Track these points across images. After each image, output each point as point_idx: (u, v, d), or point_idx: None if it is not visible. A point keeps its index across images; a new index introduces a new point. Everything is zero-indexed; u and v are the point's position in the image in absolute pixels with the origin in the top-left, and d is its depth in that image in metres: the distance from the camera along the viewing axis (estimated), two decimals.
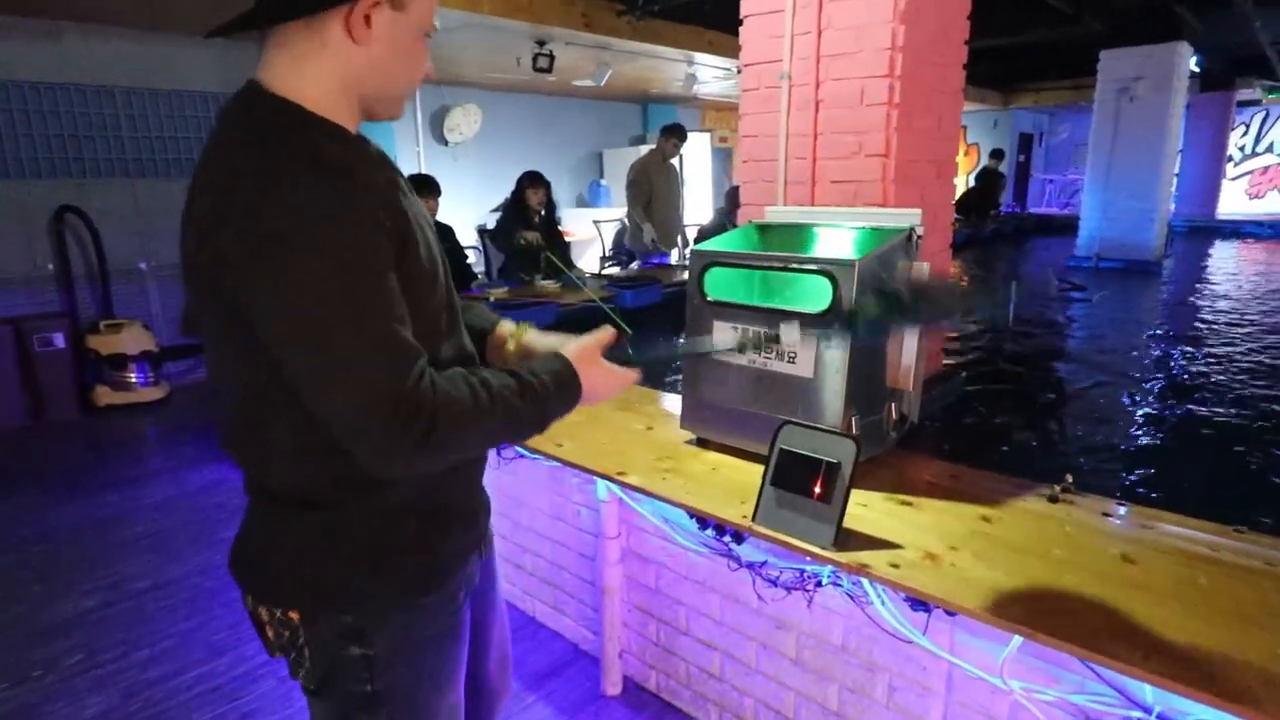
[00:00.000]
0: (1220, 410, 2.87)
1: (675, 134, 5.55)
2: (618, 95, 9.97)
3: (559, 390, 0.97)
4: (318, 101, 0.84)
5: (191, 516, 3.30)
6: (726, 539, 1.69)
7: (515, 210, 4.93)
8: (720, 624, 1.85)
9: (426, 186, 4.29)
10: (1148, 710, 1.16)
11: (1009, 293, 4.64)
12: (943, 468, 1.81)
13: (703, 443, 1.92)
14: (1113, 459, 2.50)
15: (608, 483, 1.84)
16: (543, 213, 4.92)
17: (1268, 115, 13.47)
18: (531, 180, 4.80)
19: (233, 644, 2.33)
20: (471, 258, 6.32)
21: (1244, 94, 11.97)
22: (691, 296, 1.85)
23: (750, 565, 1.67)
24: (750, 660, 1.81)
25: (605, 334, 1.08)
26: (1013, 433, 2.68)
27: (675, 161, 5.86)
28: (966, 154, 14.88)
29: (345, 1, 0.82)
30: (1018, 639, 1.24)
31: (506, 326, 1.17)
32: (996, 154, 11.50)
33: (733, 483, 1.70)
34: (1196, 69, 9.44)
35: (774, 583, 1.63)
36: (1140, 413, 2.94)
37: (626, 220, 6.21)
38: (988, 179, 11.08)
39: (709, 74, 7.52)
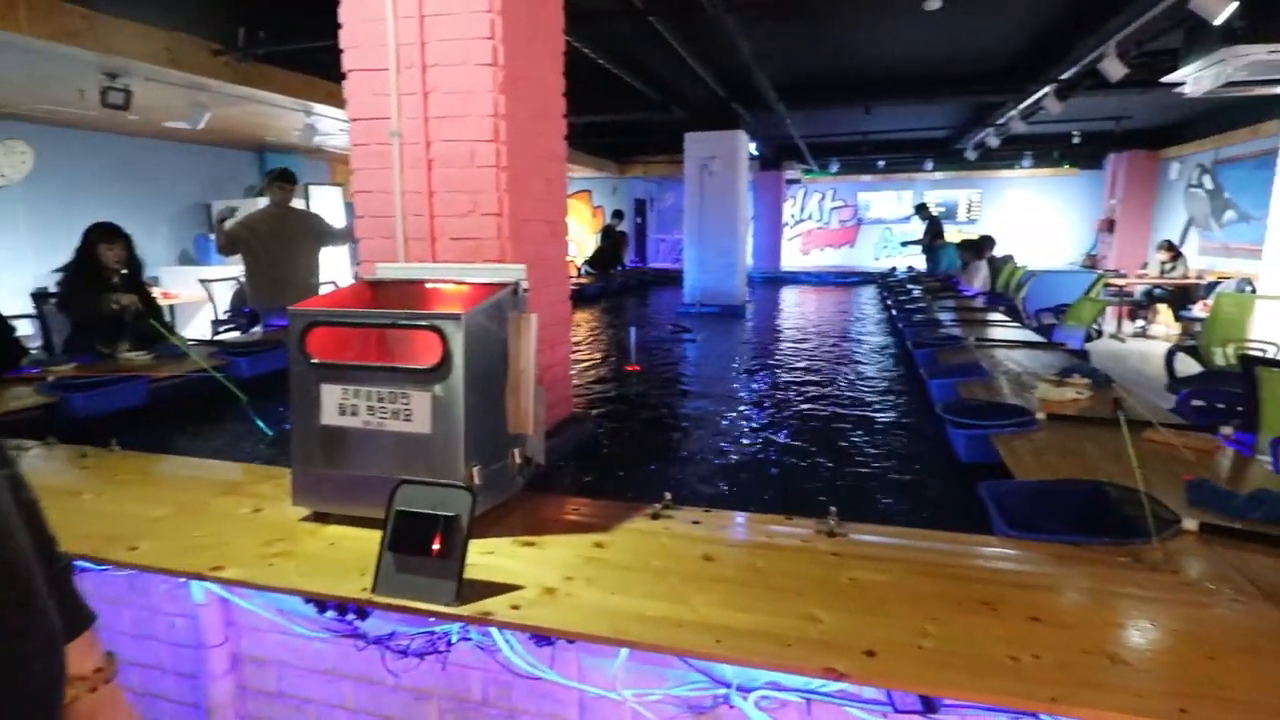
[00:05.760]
0: (791, 420, 3.58)
1: (279, 178, 5.04)
2: (228, 141, 8.97)
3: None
4: None
5: None
6: (350, 617, 1.57)
7: (85, 270, 4.06)
8: (356, 713, 1.70)
9: None
10: (728, 685, 1.36)
11: (629, 337, 5.21)
12: (569, 504, 1.93)
13: (321, 517, 1.77)
14: (715, 470, 2.92)
15: (202, 583, 1.58)
16: (123, 271, 4.13)
17: (805, 190, 17.49)
18: (102, 234, 4.01)
19: None
20: (27, 329, 5.05)
21: (790, 174, 15.41)
22: (294, 361, 1.71)
23: (378, 640, 1.57)
24: None
25: None
26: (636, 461, 2.98)
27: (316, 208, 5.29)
28: (595, 215, 16.53)
29: None
30: (625, 651, 1.36)
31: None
32: (618, 214, 12.97)
33: (355, 555, 1.59)
34: (756, 153, 11.88)
35: (405, 653, 1.55)
36: (736, 427, 3.50)
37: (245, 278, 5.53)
38: (614, 237, 12.42)
39: (332, 125, 7.18)
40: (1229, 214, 9.82)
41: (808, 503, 2.47)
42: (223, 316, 6.44)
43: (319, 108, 6.42)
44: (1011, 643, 1.22)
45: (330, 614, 1.56)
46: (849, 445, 3.13)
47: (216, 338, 5.75)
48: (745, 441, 3.27)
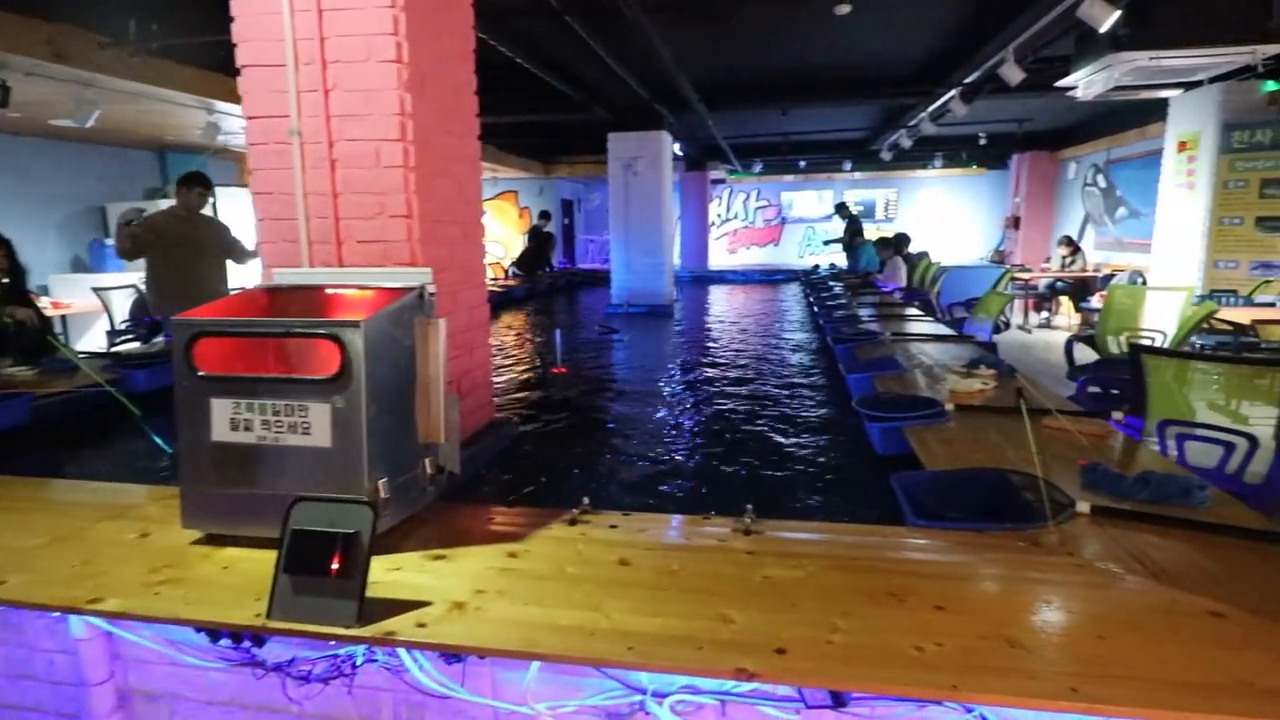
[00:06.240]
0: (716, 419, 3.60)
1: (198, 183, 4.78)
2: (125, 141, 8.44)
3: None
4: None
5: None
6: (247, 645, 1.48)
7: None
8: None
9: None
10: (644, 691, 1.34)
11: (555, 339, 5.15)
12: (485, 513, 1.88)
13: (215, 540, 1.66)
14: (640, 472, 2.91)
15: (81, 616, 1.46)
16: (4, 280, 3.83)
17: (731, 190, 17.74)
18: None
19: None
20: None
21: (715, 174, 15.59)
22: (180, 375, 1.60)
23: (278, 667, 1.48)
24: None
25: None
26: (560, 465, 2.93)
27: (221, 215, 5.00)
28: (521, 216, 16.32)
29: None
30: (536, 664, 1.32)
31: None
32: (545, 215, 12.85)
33: (250, 578, 1.49)
34: (681, 153, 11.97)
35: (307, 679, 1.47)
36: (661, 427, 3.50)
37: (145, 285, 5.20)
38: (541, 238, 12.30)
39: (237, 124, 6.84)
40: (1121, 210, 10.48)
41: (729, 501, 2.47)
42: (121, 326, 6.04)
43: (221, 105, 6.10)
44: (917, 633, 1.25)
45: (225, 642, 1.47)
46: (771, 442, 3.17)
47: (113, 349, 5.39)
48: (669, 441, 3.28)
